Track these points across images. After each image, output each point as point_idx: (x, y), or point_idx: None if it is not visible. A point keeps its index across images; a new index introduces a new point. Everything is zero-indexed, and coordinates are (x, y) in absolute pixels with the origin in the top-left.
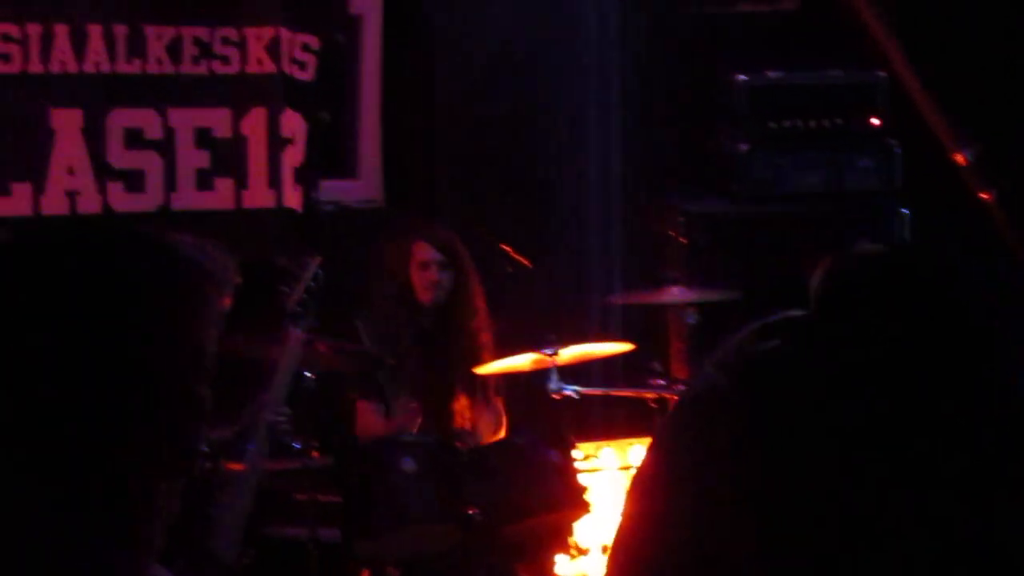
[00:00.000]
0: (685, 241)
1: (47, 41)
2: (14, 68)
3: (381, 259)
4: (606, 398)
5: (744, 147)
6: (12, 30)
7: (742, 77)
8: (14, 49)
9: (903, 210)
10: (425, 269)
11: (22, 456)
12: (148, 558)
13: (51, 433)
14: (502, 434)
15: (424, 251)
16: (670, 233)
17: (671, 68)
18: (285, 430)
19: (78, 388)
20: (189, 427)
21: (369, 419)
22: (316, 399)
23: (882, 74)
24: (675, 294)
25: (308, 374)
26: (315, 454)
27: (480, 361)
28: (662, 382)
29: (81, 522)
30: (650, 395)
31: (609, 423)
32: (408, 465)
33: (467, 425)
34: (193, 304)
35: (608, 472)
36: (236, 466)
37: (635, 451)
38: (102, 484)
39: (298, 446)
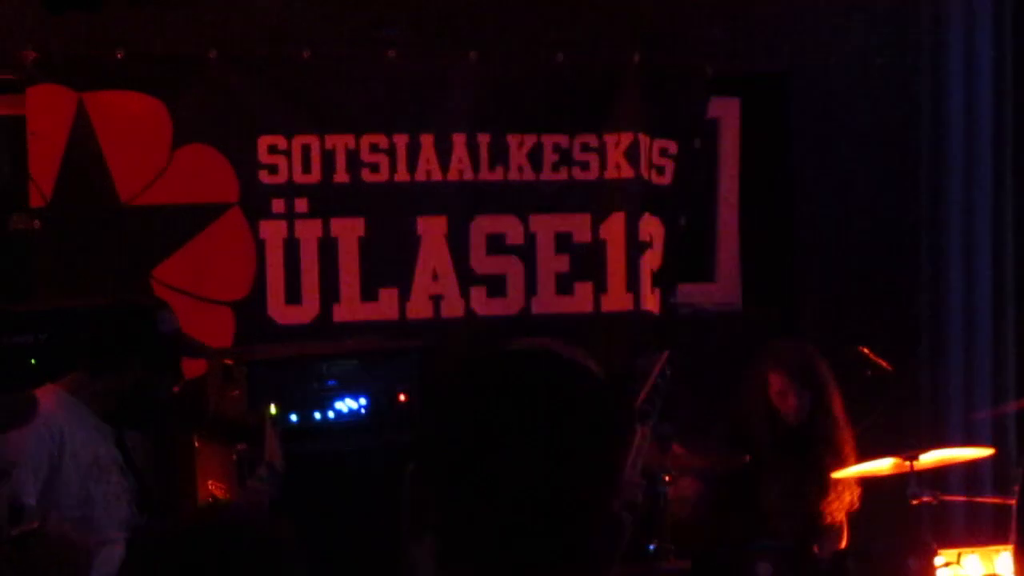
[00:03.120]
0: None
1: (414, 151)
2: (382, 178)
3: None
4: (970, 504)
5: None
6: (381, 141)
7: None
8: (383, 159)
9: None
10: (784, 397)
11: None
12: None
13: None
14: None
15: (779, 381)
16: None
17: None
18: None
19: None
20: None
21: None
22: (670, 503)
23: None
24: None
25: (664, 476)
26: (671, 557)
27: (845, 464)
28: None
29: None
30: (1013, 501)
31: (973, 530)
32: (764, 571)
33: (835, 524)
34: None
35: None
36: None
37: (1001, 559)
38: None
39: (653, 548)
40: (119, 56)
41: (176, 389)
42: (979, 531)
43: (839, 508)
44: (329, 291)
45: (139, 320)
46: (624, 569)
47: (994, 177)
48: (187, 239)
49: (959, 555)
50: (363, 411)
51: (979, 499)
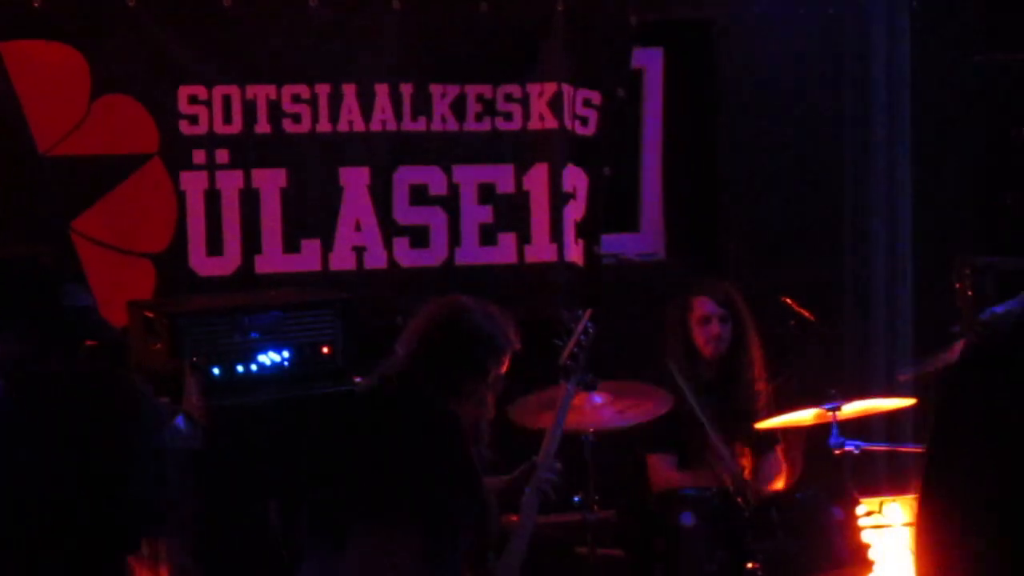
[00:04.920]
0: (972, 294)
1: (336, 101)
2: (304, 128)
3: (665, 314)
4: (891, 453)
5: None
6: (302, 91)
7: None
8: (304, 109)
9: None
10: (706, 323)
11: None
12: None
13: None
14: (781, 484)
15: (704, 305)
16: (958, 287)
17: (963, 120)
18: (556, 484)
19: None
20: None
21: (663, 472)
22: (596, 453)
23: None
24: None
25: (589, 429)
26: (596, 507)
27: (759, 411)
28: None
29: None
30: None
31: (894, 478)
32: (688, 520)
33: (748, 476)
34: None
35: (894, 528)
36: (512, 518)
37: None
38: None
39: (578, 499)
40: (36, 4)
41: (90, 344)
42: (901, 480)
43: (761, 455)
44: (251, 242)
45: (40, 283)
46: (550, 520)
47: (917, 128)
48: (107, 190)
49: (881, 504)
50: (286, 363)
51: (901, 448)
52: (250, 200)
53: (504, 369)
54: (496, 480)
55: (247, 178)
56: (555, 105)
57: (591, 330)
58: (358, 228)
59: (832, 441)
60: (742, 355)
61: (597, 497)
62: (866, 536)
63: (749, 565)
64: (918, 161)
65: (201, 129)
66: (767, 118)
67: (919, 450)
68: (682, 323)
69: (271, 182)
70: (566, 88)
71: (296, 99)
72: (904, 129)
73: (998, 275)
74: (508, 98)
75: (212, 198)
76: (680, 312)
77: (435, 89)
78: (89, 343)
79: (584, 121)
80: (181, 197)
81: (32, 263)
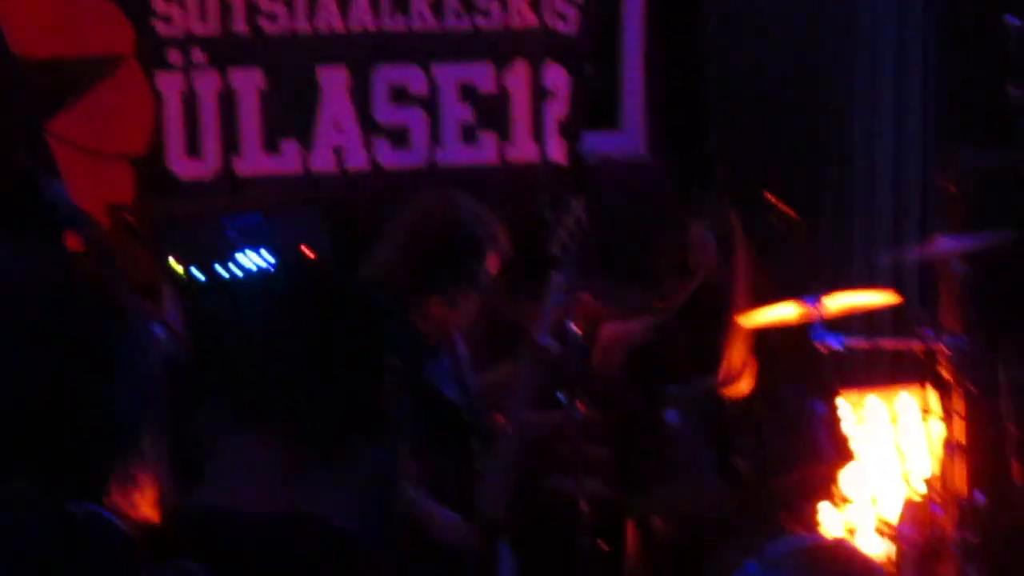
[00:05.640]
0: (955, 190)
1: (313, 0)
2: (282, 27)
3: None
4: (873, 349)
5: (1018, 94)
6: None
7: (1015, 21)
8: (281, 9)
9: None
10: (699, 251)
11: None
12: None
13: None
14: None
15: (696, 231)
16: (940, 183)
17: (952, 9)
18: (551, 355)
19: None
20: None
21: None
22: (583, 351)
23: None
24: (944, 244)
25: (574, 326)
26: (581, 406)
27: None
28: (930, 333)
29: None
30: (918, 346)
31: (876, 374)
32: (674, 418)
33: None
34: None
35: (874, 422)
36: (499, 419)
37: (901, 400)
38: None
39: (564, 398)
40: None
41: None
42: (879, 374)
43: (739, 356)
44: (230, 144)
45: (23, 182)
46: (535, 418)
47: (899, 29)
48: (82, 92)
49: (863, 398)
50: (269, 266)
51: (884, 344)
52: (227, 101)
53: (492, 269)
54: (488, 375)
55: (224, 78)
56: (535, 2)
57: (583, 220)
58: (338, 129)
59: (815, 336)
60: (726, 284)
61: (583, 396)
62: (847, 430)
63: (735, 461)
64: (903, 55)
65: (176, 29)
66: (753, 13)
67: (901, 345)
68: (673, 240)
69: (248, 82)
70: None
71: None
72: (889, 25)
73: (982, 171)
74: None
75: (189, 99)
76: (671, 229)
77: None
78: (72, 246)
79: (564, 18)
80: (158, 98)
81: (12, 163)
